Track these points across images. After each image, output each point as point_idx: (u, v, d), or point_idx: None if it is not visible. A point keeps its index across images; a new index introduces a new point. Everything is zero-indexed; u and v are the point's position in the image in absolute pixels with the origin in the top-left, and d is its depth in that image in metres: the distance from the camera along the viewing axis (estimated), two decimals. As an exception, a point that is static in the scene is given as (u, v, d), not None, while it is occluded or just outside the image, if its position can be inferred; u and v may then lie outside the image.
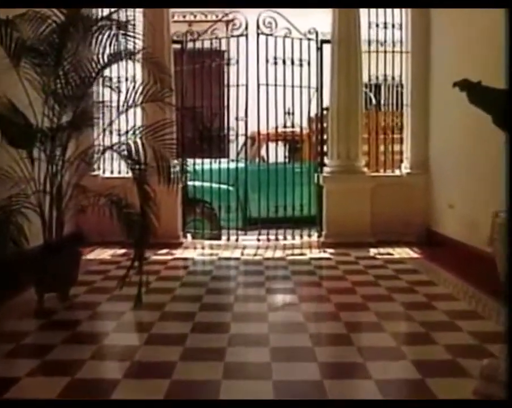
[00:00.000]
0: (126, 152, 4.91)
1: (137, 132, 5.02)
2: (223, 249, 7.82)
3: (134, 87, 5.30)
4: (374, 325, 4.55)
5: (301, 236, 8.35)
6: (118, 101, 5.24)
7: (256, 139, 9.07)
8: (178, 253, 7.50)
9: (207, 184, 8.49)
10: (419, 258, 7.16)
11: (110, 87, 5.45)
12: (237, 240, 8.29)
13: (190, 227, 8.51)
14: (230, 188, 8.67)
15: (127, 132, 5.07)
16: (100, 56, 5.34)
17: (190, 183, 8.39)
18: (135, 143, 4.97)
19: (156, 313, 4.86)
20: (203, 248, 7.87)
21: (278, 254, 7.47)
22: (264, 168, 8.50)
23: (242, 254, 7.46)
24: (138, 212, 5.02)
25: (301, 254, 7.42)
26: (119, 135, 5.28)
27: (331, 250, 7.58)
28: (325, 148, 8.50)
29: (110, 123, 5.38)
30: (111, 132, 7.39)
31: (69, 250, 5.43)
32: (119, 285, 4.94)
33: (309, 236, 8.39)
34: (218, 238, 8.42)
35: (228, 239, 8.32)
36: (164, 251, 7.54)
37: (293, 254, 7.41)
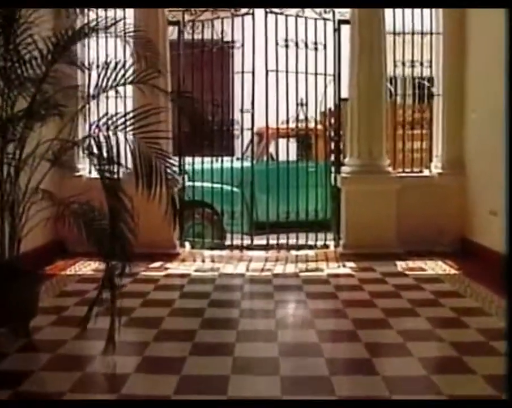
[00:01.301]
0: (94, 148, 3.65)
1: (109, 122, 3.75)
2: (226, 261, 6.56)
3: (108, 66, 4.03)
4: (422, 380, 3.28)
5: (315, 245, 7.09)
6: (89, 84, 3.97)
7: (263, 135, 7.82)
8: (173, 267, 6.25)
9: (207, 184, 7.23)
10: (457, 274, 5.87)
11: (78, 66, 4.19)
12: (241, 250, 7.02)
13: (188, 235, 7.27)
14: (235, 189, 7.42)
15: (86, 125, 3.77)
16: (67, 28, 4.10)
17: (188, 183, 7.17)
18: (107, 136, 3.72)
19: (132, 359, 3.63)
20: (202, 261, 6.61)
21: (290, 268, 6.19)
22: (273, 167, 7.23)
23: (248, 269, 6.19)
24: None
25: (317, 269, 6.14)
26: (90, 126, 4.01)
27: (352, 264, 6.30)
28: (342, 145, 7.24)
29: (80, 112, 4.10)
30: (98, 126, 6.17)
31: (27, 272, 4.18)
32: (83, 325, 3.69)
33: (325, 245, 7.12)
34: (222, 247, 7.16)
35: (231, 248, 7.06)
36: (157, 264, 6.30)
37: (307, 269, 6.14)
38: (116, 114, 3.91)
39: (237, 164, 7.35)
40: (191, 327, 4.23)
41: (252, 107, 6.90)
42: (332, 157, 7.42)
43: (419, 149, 7.37)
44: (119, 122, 3.78)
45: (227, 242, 7.28)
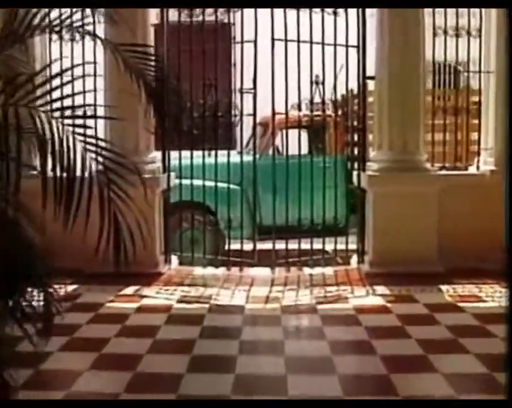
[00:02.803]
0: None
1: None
2: (221, 285, 4.93)
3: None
4: None
5: (334, 256, 5.47)
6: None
7: (269, 126, 6.20)
8: (152, 294, 4.63)
9: (198, 182, 5.56)
10: (528, 307, 4.20)
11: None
12: (241, 268, 5.39)
13: (177, 246, 5.67)
14: (234, 186, 5.72)
15: None
16: None
17: (175, 181, 5.58)
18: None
19: None
20: (191, 284, 4.96)
21: (304, 297, 4.56)
22: (280, 162, 5.55)
23: (248, 297, 4.55)
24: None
25: (339, 298, 4.50)
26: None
27: (383, 289, 4.68)
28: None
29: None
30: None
31: None
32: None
33: (346, 259, 5.50)
34: (217, 263, 5.52)
35: (229, 263, 5.43)
36: (131, 289, 4.71)
37: (326, 298, 4.50)
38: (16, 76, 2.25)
39: (235, 159, 5.67)
40: (156, 415, 2.62)
41: (254, 87, 5.24)
42: (353, 151, 5.83)
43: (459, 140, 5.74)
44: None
45: (224, 252, 5.68)
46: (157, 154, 5.51)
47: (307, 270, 5.34)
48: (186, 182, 5.54)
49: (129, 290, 4.69)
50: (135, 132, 5.22)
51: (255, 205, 5.80)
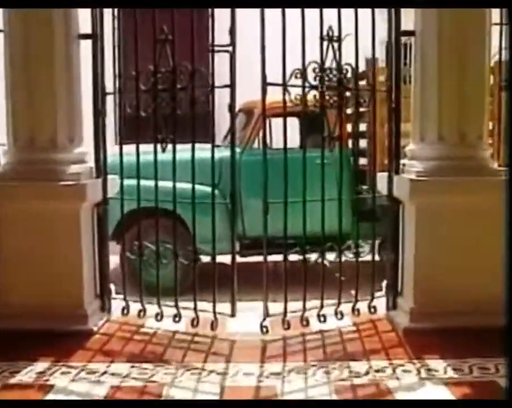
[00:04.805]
0: None
1: None
2: (181, 358, 3.03)
3: None
4: None
5: (355, 301, 3.58)
6: None
7: (253, 113, 4.46)
8: (63, 385, 2.70)
9: (148, 183, 3.54)
10: None
11: None
12: (213, 325, 3.42)
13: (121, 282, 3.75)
14: (202, 187, 3.77)
15: None
16: None
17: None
18: None
19: None
20: (133, 359, 3.04)
21: (318, 388, 2.67)
22: (273, 158, 3.55)
23: (223, 390, 2.64)
24: None
25: (376, 392, 2.63)
26: None
27: (441, 365, 2.87)
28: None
29: None
30: None
31: None
32: None
33: (370, 305, 3.62)
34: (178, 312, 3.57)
35: (194, 320, 3.47)
36: (35, 371, 2.81)
37: (354, 392, 2.62)
38: None
39: (203, 154, 3.66)
40: None
41: (232, 43, 3.27)
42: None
43: None
44: None
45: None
46: (89, 150, 3.61)
47: (315, 324, 3.45)
48: (130, 182, 3.57)
49: (31, 373, 2.80)
50: (51, 118, 3.36)
51: (235, 215, 3.82)
